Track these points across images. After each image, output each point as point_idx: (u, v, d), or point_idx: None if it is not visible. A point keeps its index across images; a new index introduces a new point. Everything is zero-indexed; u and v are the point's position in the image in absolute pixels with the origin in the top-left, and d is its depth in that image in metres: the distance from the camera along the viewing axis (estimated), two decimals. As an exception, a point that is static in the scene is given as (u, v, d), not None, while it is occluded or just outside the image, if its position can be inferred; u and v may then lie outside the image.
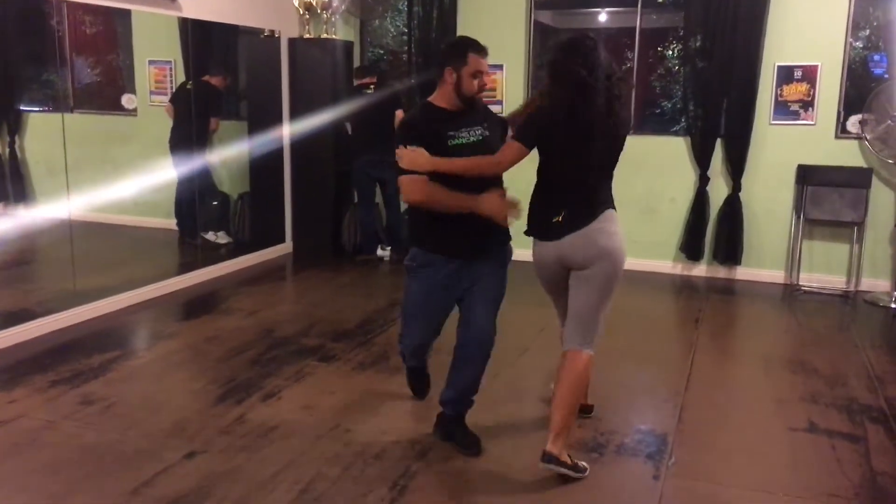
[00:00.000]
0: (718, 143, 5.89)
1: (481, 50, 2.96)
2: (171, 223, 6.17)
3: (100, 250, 5.39)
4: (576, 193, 2.95)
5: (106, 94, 6.07)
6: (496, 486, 2.85)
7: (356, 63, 6.78)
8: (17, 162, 5.55)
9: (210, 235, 6.37)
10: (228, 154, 6.44)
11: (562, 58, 2.92)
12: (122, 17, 5.57)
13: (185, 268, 5.70)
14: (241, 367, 4.00)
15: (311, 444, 3.12)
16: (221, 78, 6.28)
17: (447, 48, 3.11)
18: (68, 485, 2.80)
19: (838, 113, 5.62)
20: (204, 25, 5.65)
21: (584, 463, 2.95)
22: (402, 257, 6.27)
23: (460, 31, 6.41)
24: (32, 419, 3.33)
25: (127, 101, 5.97)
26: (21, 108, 5.62)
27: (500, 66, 6.35)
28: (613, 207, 2.98)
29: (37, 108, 5.67)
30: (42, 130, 5.45)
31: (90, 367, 3.93)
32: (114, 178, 5.70)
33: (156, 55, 5.94)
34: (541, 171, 3.06)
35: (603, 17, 8.11)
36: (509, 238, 3.17)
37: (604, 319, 2.97)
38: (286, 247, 6.76)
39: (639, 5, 6.11)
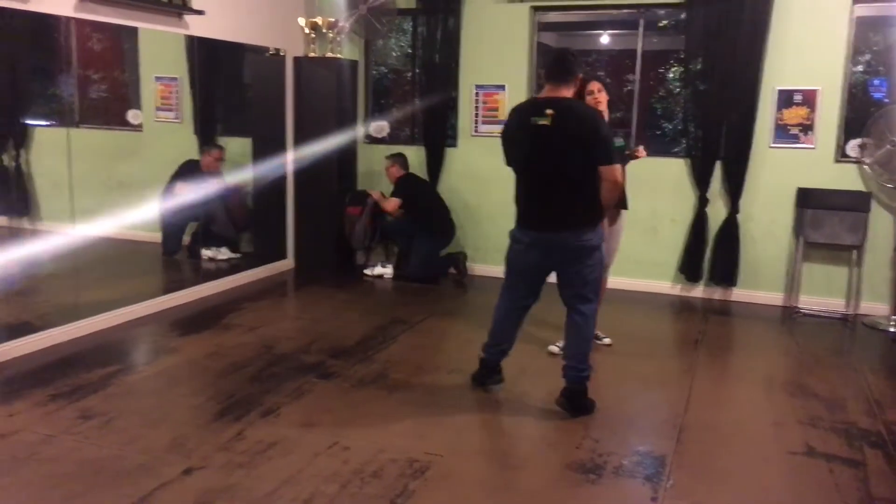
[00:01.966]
0: (718, 165, 5.92)
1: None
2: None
3: (102, 264, 5.40)
4: None
5: (112, 110, 6.11)
6: (494, 506, 2.86)
7: (360, 80, 6.84)
8: (22, 176, 5.58)
9: (211, 251, 6.39)
10: (233, 170, 6.48)
11: None
12: (130, 34, 5.62)
13: (186, 283, 5.71)
14: (240, 383, 4.01)
15: (309, 462, 3.13)
16: (207, 153, 6.19)
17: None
18: (66, 499, 2.81)
19: (838, 137, 5.65)
20: (210, 43, 5.71)
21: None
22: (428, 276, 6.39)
23: (464, 53, 6.48)
24: (31, 433, 3.33)
25: (133, 116, 6.02)
26: (27, 122, 5.65)
27: (502, 87, 6.41)
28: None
29: (43, 123, 5.70)
30: (47, 145, 5.48)
31: (90, 382, 3.95)
32: (118, 192, 5.74)
33: (162, 72, 5.99)
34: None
35: (605, 39, 8.19)
36: None
37: None
38: (288, 263, 6.79)
39: (640, 28, 6.17)
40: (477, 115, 6.54)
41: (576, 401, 3.66)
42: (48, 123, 5.66)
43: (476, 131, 6.57)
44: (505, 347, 3.93)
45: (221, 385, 3.98)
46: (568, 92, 3.56)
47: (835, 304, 5.74)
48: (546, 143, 3.49)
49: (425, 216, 6.47)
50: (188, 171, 6.03)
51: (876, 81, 6.33)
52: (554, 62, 3.62)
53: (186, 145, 6.09)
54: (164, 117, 6.13)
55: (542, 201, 3.59)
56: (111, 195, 5.66)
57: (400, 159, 6.56)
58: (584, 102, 3.61)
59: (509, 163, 3.73)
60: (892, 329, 5.30)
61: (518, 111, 3.70)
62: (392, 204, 6.44)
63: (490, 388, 3.98)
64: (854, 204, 5.57)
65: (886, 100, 5.92)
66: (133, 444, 3.25)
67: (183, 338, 4.79)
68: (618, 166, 3.49)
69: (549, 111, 3.46)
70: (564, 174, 3.51)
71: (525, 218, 3.67)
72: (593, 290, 3.66)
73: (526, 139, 3.56)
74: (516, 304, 3.82)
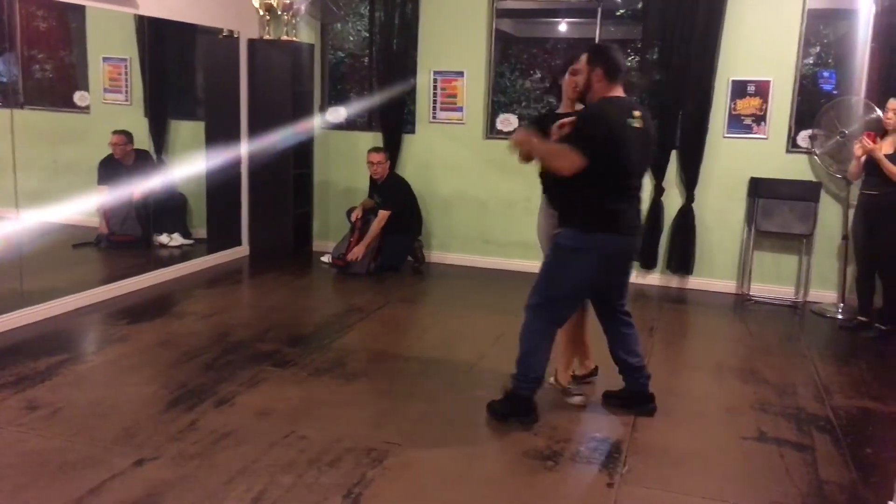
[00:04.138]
0: (673, 155, 5.99)
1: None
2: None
3: (48, 250, 5.24)
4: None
5: (58, 91, 5.93)
6: (452, 496, 2.85)
7: (317, 64, 6.74)
8: (-38, 158, 5.38)
9: (164, 238, 6.25)
10: (185, 154, 6.34)
11: None
12: (76, 13, 5.46)
13: (137, 270, 5.58)
14: (193, 371, 3.93)
15: (264, 451, 3.08)
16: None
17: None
18: (11, 492, 2.72)
19: (789, 127, 5.76)
20: (161, 24, 5.56)
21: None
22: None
23: (422, 39, 6.42)
24: (-26, 424, 3.23)
25: (80, 98, 5.84)
26: (-32, 102, 5.46)
27: (461, 73, 6.38)
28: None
29: (-16, 103, 5.51)
30: (-10, 126, 5.30)
31: (36, 371, 3.83)
32: (65, 176, 5.58)
33: (110, 52, 5.82)
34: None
35: (563, 27, 8.20)
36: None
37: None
38: (243, 250, 6.68)
39: (598, 17, 6.19)
40: (435, 101, 6.50)
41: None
42: (-10, 104, 5.47)
43: (434, 118, 6.53)
44: (541, 376, 3.47)
45: (174, 374, 3.89)
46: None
47: (785, 291, 5.86)
48: (640, 145, 3.26)
49: (408, 214, 6.36)
50: (106, 167, 5.81)
51: (825, 73, 6.46)
52: (617, 59, 3.26)
53: (136, 128, 5.93)
54: (112, 99, 5.97)
55: (635, 205, 3.38)
56: (57, 179, 5.50)
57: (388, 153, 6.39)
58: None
59: (614, 167, 3.20)
60: (839, 316, 5.43)
61: (615, 110, 3.22)
62: (383, 218, 6.17)
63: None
64: (804, 194, 5.68)
65: (835, 92, 6.05)
66: (81, 435, 3.16)
67: (133, 326, 4.68)
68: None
69: (636, 113, 3.23)
70: (642, 177, 3.44)
71: (621, 223, 3.27)
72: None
73: (629, 141, 3.21)
74: (560, 323, 3.47)
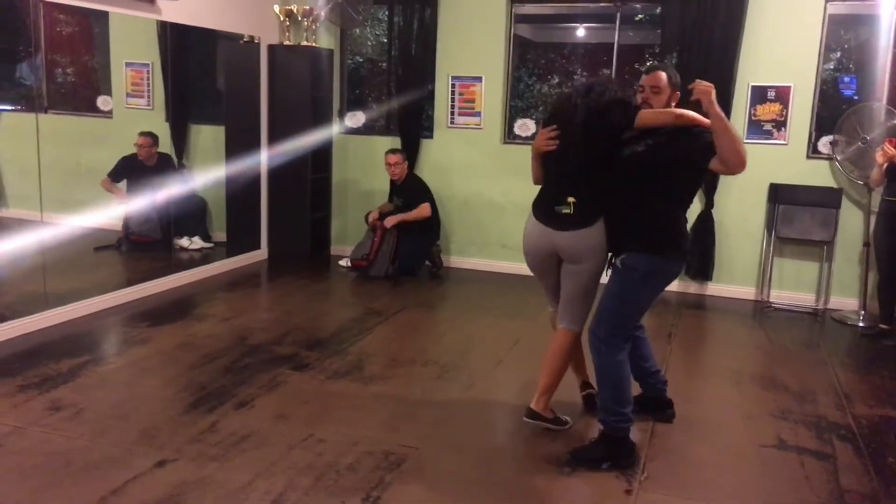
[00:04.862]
0: (693, 160, 5.95)
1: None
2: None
3: (71, 253, 5.30)
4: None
5: (81, 96, 6.00)
6: (469, 500, 2.85)
7: (336, 69, 6.79)
8: (-12, 162, 5.46)
9: (184, 241, 6.31)
10: (205, 159, 6.40)
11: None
12: (99, 18, 5.52)
13: (157, 273, 5.63)
14: (213, 374, 3.96)
15: (283, 454, 3.10)
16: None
17: None
18: (35, 492, 2.75)
19: (810, 133, 5.72)
20: (183, 29, 5.62)
21: (566, 417, 3.45)
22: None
23: (440, 44, 6.44)
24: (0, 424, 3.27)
25: (103, 103, 5.91)
26: (-7, 107, 5.54)
27: (479, 79, 6.40)
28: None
29: (9, 108, 5.58)
30: (15, 130, 5.37)
31: (59, 373, 3.88)
32: (87, 180, 5.64)
33: (133, 57, 5.89)
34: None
35: (581, 32, 8.20)
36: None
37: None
38: (261, 253, 6.72)
39: (617, 22, 6.19)
40: (453, 106, 6.52)
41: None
42: (15, 108, 5.54)
43: (452, 123, 6.55)
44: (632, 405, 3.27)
45: (194, 376, 3.93)
46: None
47: (805, 298, 5.82)
48: None
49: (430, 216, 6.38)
50: (126, 165, 5.86)
51: (846, 79, 6.41)
52: None
53: (157, 132, 5.99)
54: (134, 104, 6.03)
55: None
56: (80, 183, 5.57)
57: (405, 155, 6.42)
58: None
59: (697, 186, 3.31)
60: (860, 324, 5.38)
61: None
62: (426, 209, 6.21)
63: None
64: (825, 200, 5.64)
65: (857, 97, 6.01)
66: (104, 436, 3.20)
67: (154, 328, 4.72)
68: None
69: None
70: None
71: (687, 242, 3.25)
72: None
73: None
74: (629, 341, 3.28)
